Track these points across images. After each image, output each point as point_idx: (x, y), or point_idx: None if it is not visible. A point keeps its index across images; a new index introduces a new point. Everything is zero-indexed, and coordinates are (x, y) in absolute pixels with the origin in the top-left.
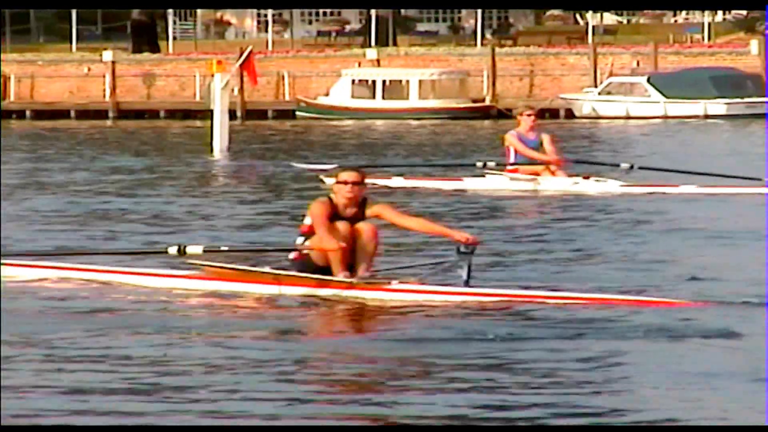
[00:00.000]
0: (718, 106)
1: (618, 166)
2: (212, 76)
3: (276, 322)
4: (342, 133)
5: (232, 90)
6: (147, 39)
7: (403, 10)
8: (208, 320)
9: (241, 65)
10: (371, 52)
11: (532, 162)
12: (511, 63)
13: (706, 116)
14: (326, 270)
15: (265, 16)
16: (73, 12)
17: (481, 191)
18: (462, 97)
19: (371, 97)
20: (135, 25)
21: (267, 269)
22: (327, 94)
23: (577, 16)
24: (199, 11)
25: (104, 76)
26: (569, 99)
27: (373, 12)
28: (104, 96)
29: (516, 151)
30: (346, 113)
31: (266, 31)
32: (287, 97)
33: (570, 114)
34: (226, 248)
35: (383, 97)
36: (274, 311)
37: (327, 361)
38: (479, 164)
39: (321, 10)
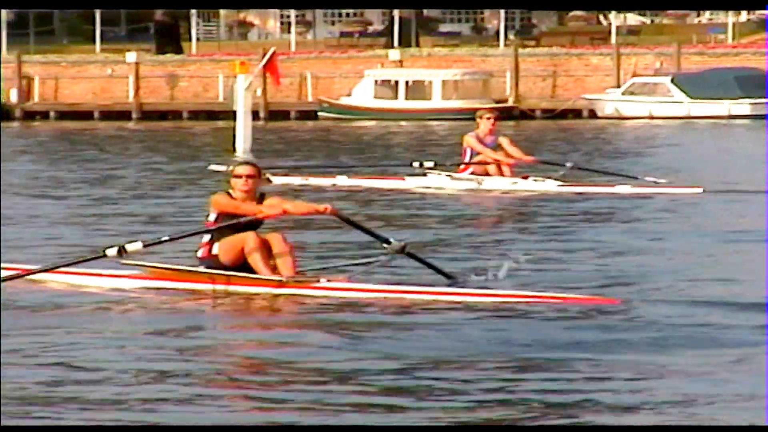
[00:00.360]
0: (742, 107)
1: (564, 165)
2: (235, 77)
3: (208, 318)
4: (363, 134)
5: (255, 91)
6: (170, 40)
7: (426, 11)
8: (145, 318)
9: (264, 66)
10: (394, 53)
11: (483, 161)
12: (534, 63)
13: (730, 116)
14: (233, 270)
15: (288, 17)
16: (97, 13)
17: (421, 190)
18: (485, 97)
19: (394, 98)
20: (158, 27)
21: (201, 269)
22: (349, 95)
23: (600, 16)
24: (222, 12)
25: (128, 77)
26: (592, 99)
27: (396, 13)
28: (128, 97)
29: (474, 151)
30: (368, 114)
31: (289, 32)
32: (310, 98)
33: (593, 114)
34: (166, 238)
35: (406, 98)
36: (210, 309)
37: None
38: (416, 164)
39: (344, 11)
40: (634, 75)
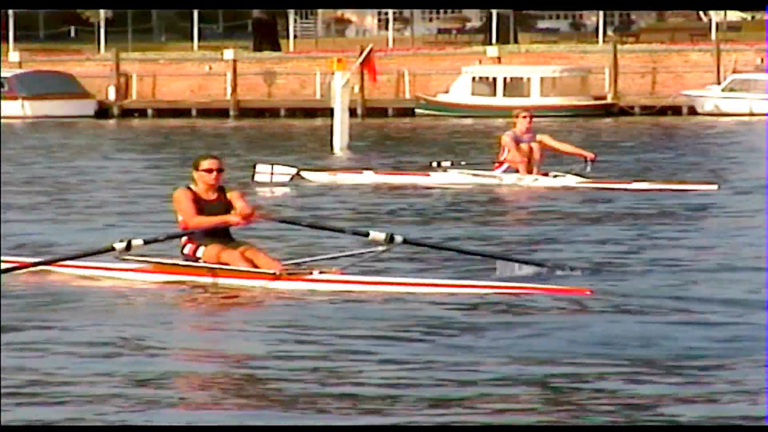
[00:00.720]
0: None
1: (586, 159)
2: (333, 74)
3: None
4: (460, 131)
5: (353, 88)
6: (268, 37)
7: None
8: (149, 311)
9: (361, 63)
10: (492, 50)
11: (513, 160)
12: (633, 60)
13: None
14: None
15: (386, 14)
16: (195, 11)
17: (443, 186)
18: (583, 94)
19: (492, 95)
20: (256, 24)
21: (202, 263)
22: (447, 92)
23: (701, 12)
24: (319, 9)
25: (225, 75)
26: (692, 96)
27: (493, 9)
28: (225, 94)
29: (508, 150)
30: (466, 111)
31: (387, 28)
32: (407, 95)
33: (693, 111)
34: (163, 237)
35: (504, 95)
36: (211, 300)
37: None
38: (434, 164)
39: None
40: (734, 71)
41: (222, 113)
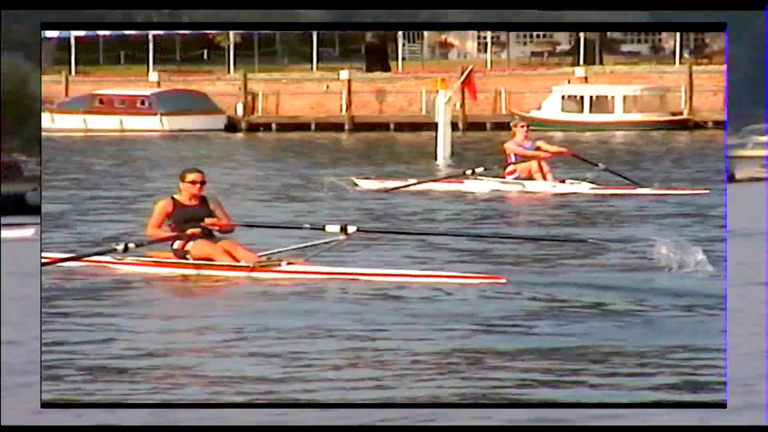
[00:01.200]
0: None
1: (597, 165)
2: (437, 92)
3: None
4: (550, 143)
5: (455, 105)
6: (379, 60)
7: (609, 34)
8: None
9: (462, 83)
10: (579, 70)
11: (524, 160)
12: (706, 79)
13: None
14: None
15: (485, 38)
16: (314, 36)
17: (476, 192)
18: (662, 111)
19: (579, 111)
20: (369, 48)
21: (190, 260)
22: (539, 109)
23: None
24: (425, 35)
25: (341, 93)
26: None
27: (581, 34)
28: (341, 110)
29: (518, 156)
30: (556, 126)
31: (486, 51)
32: (503, 111)
33: None
34: (146, 243)
35: (590, 111)
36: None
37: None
38: (468, 172)
39: (535, 33)
40: None
41: (338, 127)
